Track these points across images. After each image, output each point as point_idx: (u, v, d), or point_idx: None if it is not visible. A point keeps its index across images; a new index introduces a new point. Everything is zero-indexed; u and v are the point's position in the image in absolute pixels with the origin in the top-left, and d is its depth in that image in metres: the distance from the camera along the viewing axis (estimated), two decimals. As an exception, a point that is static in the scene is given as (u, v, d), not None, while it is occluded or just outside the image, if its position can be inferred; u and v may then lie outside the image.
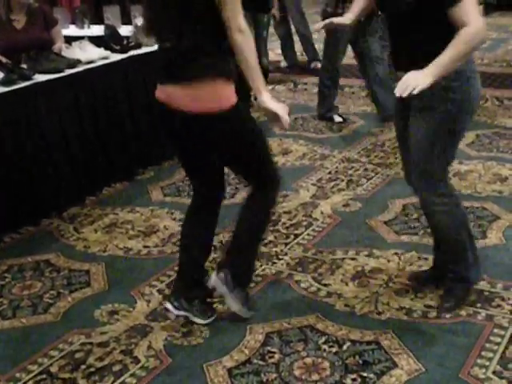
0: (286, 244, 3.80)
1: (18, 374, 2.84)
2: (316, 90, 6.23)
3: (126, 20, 6.05)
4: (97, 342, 3.01)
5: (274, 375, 2.74)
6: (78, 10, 6.48)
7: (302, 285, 3.38)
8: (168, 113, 2.79)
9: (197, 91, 2.69)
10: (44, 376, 2.82)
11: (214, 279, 3.01)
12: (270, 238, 3.85)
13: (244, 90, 2.89)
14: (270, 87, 7.02)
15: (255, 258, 3.14)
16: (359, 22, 3.51)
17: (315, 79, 7.51)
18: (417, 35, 2.72)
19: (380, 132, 5.67)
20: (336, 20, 3.18)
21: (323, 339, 2.95)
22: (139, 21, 5.43)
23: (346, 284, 3.38)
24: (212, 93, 2.70)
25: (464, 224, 3.07)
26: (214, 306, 3.18)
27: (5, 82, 4.02)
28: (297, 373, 2.75)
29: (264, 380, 2.72)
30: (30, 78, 4.15)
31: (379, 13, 4.15)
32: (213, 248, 3.26)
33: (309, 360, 2.82)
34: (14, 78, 4.07)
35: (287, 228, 4.00)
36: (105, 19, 5.99)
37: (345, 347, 2.89)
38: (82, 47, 4.65)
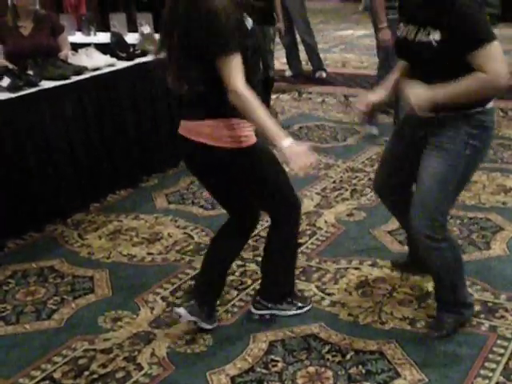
0: (290, 253, 3.80)
1: (21, 380, 2.85)
2: (320, 99, 6.23)
3: (132, 27, 6.06)
4: (100, 349, 3.01)
5: (277, 384, 2.74)
6: (85, 17, 6.52)
7: (306, 294, 3.38)
8: (188, 146, 2.81)
9: (214, 129, 2.71)
10: (47, 382, 2.82)
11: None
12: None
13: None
14: (275, 96, 7.03)
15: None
16: None
17: (320, 88, 7.55)
18: (440, 80, 2.67)
19: (384, 142, 5.66)
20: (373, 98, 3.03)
21: (326, 348, 2.95)
22: (145, 29, 5.47)
23: (350, 293, 3.38)
24: (230, 131, 2.71)
25: (458, 268, 3.00)
26: (218, 313, 3.19)
27: (11, 88, 4.04)
28: (300, 382, 2.75)
29: (267, 388, 2.72)
30: (36, 85, 4.17)
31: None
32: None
33: (312, 369, 2.82)
34: (21, 85, 4.09)
35: (291, 237, 4.00)
36: (111, 26, 6.01)
37: (348, 357, 2.89)
38: (89, 54, 4.67)
